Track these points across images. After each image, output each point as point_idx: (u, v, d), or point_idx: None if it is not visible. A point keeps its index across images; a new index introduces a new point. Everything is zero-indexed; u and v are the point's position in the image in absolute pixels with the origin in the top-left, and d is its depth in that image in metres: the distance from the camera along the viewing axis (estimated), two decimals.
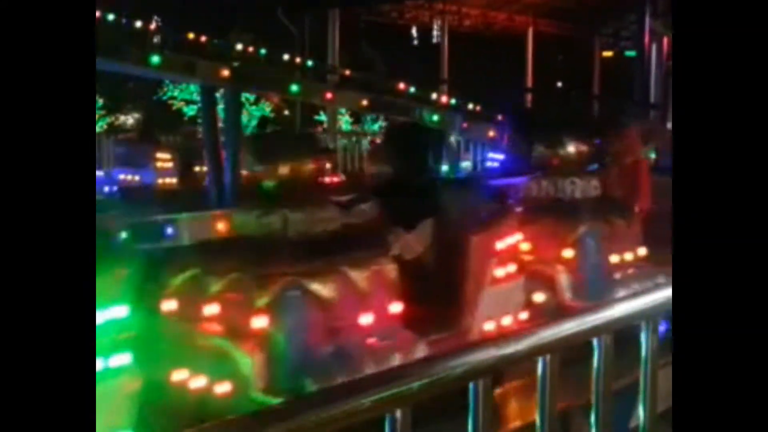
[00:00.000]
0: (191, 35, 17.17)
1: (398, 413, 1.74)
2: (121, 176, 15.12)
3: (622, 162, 6.28)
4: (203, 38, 17.38)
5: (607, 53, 31.03)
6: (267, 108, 31.57)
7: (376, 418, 1.72)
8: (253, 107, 30.75)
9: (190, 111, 30.67)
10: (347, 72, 19.95)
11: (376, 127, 30.72)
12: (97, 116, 28.14)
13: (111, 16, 16.48)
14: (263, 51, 18.88)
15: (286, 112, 30.99)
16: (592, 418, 2.46)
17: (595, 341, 2.34)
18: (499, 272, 4.56)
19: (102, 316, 2.93)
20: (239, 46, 18.78)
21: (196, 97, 26.92)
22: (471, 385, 1.96)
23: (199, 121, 24.24)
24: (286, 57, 19.65)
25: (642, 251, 5.69)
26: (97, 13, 16.30)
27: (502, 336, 2.20)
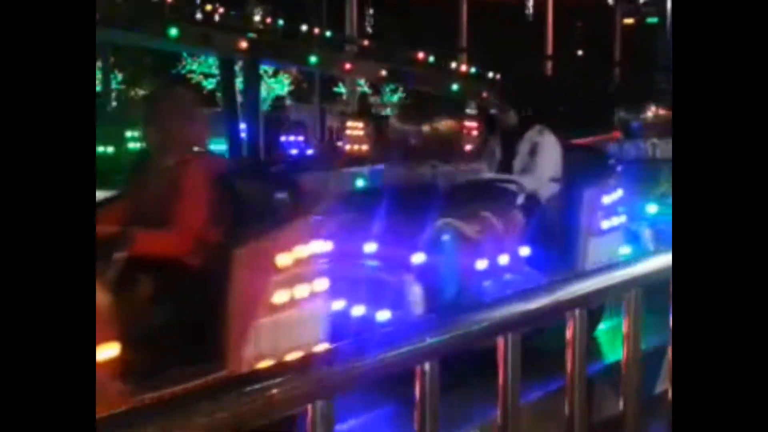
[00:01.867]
0: (208, 7, 17.13)
1: (427, 366, 1.72)
2: None
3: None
4: (221, 10, 17.36)
5: (629, 20, 30.70)
6: (285, 80, 31.53)
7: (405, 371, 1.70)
8: (272, 80, 30.72)
9: (209, 84, 30.68)
10: (365, 42, 19.87)
11: (395, 98, 30.62)
12: (115, 91, 28.21)
13: None
14: (281, 22, 18.83)
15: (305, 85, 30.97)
16: (623, 382, 2.40)
17: (625, 296, 2.29)
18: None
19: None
20: (257, 18, 18.71)
21: (215, 70, 26.90)
22: (500, 339, 1.93)
23: (219, 94, 24.25)
24: (303, 28, 19.59)
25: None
26: None
27: (531, 290, 2.16)
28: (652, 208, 6.06)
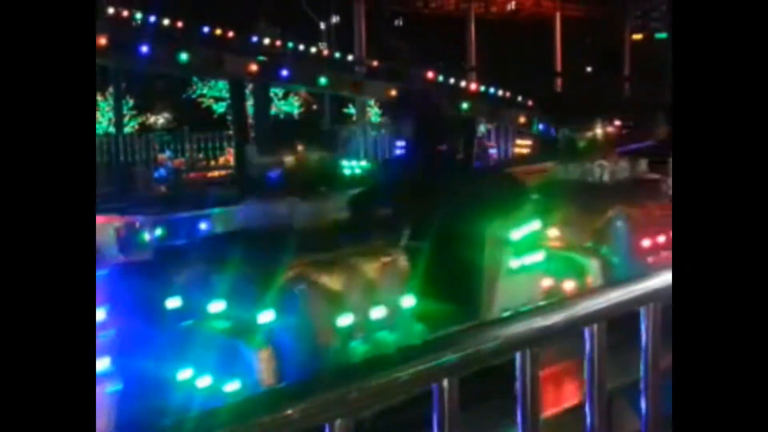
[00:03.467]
0: (218, 31, 17.22)
1: (445, 383, 1.70)
2: None
3: None
4: (230, 34, 17.45)
5: (637, 36, 30.72)
6: (295, 102, 31.66)
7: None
8: (282, 102, 30.85)
9: (220, 108, 30.83)
10: (374, 63, 19.92)
11: None
12: (128, 116, 28.39)
13: (139, 15, 16.58)
14: (290, 44, 18.90)
15: (315, 107, 31.07)
16: (642, 398, 2.37)
17: (642, 310, 2.27)
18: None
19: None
20: (266, 41, 18.80)
21: (225, 94, 27.02)
22: (517, 355, 1.92)
23: (229, 117, 24.36)
24: (313, 50, 19.68)
25: None
26: (125, 13, 16.41)
27: (548, 305, 2.14)
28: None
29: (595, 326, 2.13)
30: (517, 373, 1.94)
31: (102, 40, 13.50)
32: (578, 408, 2.39)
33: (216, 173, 21.22)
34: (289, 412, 1.44)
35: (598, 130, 5.61)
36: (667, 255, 4.91)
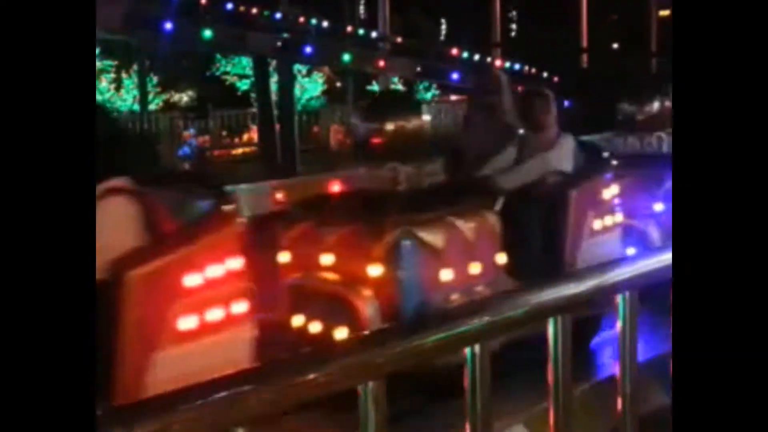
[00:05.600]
0: (242, 8, 17.18)
1: (477, 348, 1.68)
2: None
3: None
4: (254, 10, 17.40)
5: (664, 12, 30.30)
6: (319, 79, 31.60)
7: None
8: (305, 79, 30.79)
9: (244, 85, 30.81)
10: (399, 39, 19.79)
11: (429, 95, 30.55)
12: (152, 94, 28.51)
13: None
14: (314, 21, 18.83)
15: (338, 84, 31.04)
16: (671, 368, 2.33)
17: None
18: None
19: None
20: (290, 18, 18.74)
21: (249, 71, 27.01)
22: (550, 321, 1.89)
23: (253, 95, 24.35)
24: (336, 27, 19.59)
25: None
26: None
27: (581, 272, 2.11)
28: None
29: (627, 294, 2.10)
30: (549, 339, 1.92)
31: (125, 17, 13.50)
32: (610, 378, 2.36)
33: (240, 150, 21.33)
34: (324, 373, 1.43)
35: (656, 105, 6.29)
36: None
